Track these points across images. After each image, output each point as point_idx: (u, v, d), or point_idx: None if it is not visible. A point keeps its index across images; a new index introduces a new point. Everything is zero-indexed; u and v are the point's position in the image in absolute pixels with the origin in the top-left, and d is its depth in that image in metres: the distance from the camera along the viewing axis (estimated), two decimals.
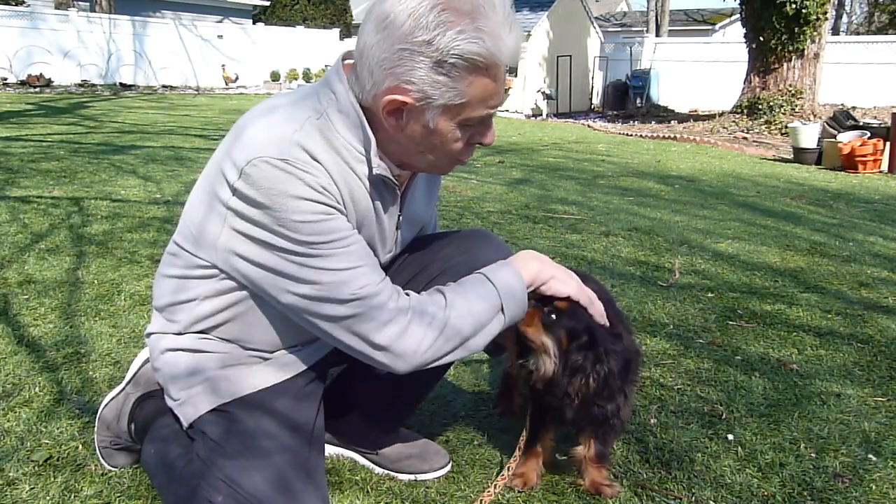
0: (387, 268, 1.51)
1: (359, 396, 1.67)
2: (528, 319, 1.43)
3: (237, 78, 19.75)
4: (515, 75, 18.61)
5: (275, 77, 20.38)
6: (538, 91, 18.59)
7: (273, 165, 1.18)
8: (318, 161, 1.22)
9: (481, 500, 1.51)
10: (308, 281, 1.22)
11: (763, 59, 12.58)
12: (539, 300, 1.44)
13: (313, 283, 1.22)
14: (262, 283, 1.27)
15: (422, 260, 1.53)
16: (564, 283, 1.43)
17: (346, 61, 1.33)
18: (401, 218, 1.45)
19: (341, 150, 1.27)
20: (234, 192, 1.21)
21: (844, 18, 35.72)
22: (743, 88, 13.12)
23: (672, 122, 14.71)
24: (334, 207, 1.23)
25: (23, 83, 15.32)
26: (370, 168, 1.30)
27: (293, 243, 1.20)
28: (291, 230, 1.19)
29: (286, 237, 1.20)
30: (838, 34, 28.94)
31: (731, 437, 1.90)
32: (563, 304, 1.44)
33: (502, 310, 1.34)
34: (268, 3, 25.19)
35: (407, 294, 1.31)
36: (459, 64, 1.16)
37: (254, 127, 1.25)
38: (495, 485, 1.55)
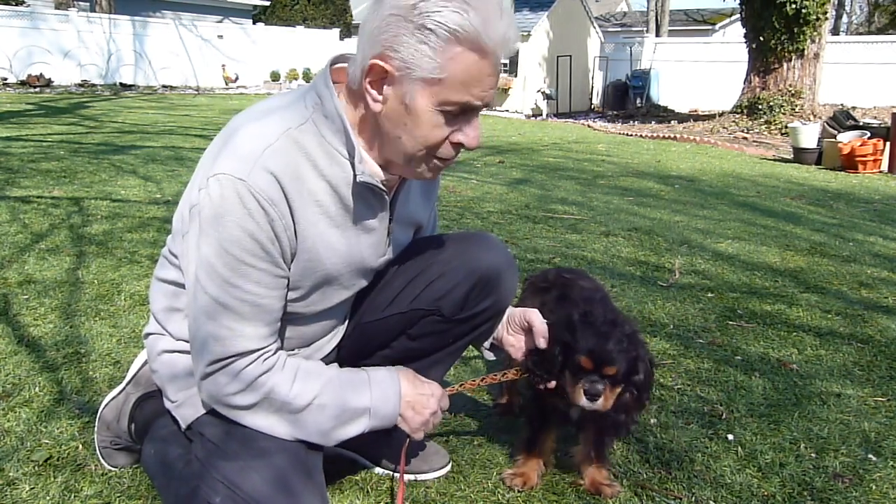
0: (382, 272, 1.51)
1: None
2: (605, 401, 1.43)
3: (237, 78, 19.75)
4: (515, 75, 18.61)
5: (275, 77, 20.39)
6: (538, 91, 18.58)
7: (232, 188, 1.19)
8: (281, 186, 1.22)
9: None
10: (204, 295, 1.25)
11: (763, 59, 12.59)
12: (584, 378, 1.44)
13: (206, 302, 1.25)
14: (186, 284, 1.30)
15: (419, 264, 1.52)
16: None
17: (336, 65, 1.33)
18: (392, 223, 1.45)
19: (319, 158, 1.27)
20: (199, 195, 1.24)
21: (844, 18, 35.73)
22: (743, 88, 13.12)
23: (672, 122, 14.71)
24: (265, 250, 1.23)
25: (23, 83, 15.32)
26: (354, 175, 1.30)
27: (212, 260, 1.22)
28: (216, 248, 1.21)
29: (211, 248, 1.22)
30: (838, 34, 28.93)
31: (731, 437, 1.90)
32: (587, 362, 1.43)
33: (370, 413, 1.40)
34: (268, 3, 25.19)
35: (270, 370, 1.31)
36: (440, 32, 1.16)
37: (240, 134, 1.25)
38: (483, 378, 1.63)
